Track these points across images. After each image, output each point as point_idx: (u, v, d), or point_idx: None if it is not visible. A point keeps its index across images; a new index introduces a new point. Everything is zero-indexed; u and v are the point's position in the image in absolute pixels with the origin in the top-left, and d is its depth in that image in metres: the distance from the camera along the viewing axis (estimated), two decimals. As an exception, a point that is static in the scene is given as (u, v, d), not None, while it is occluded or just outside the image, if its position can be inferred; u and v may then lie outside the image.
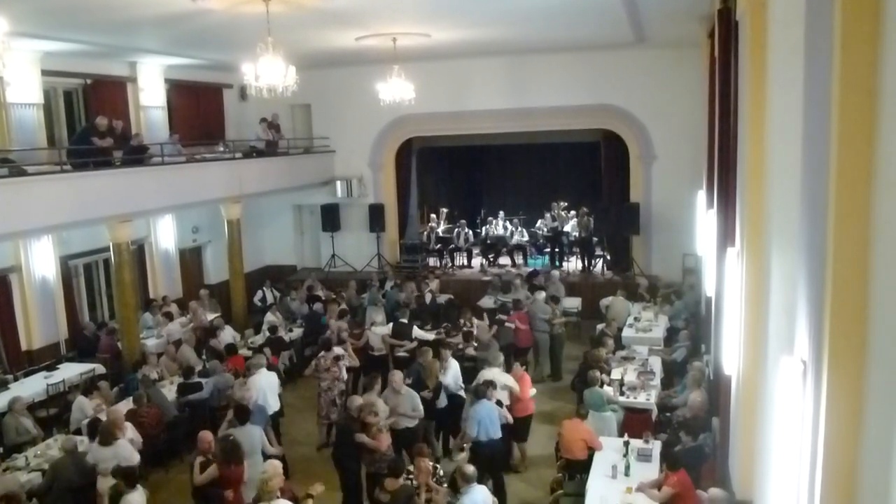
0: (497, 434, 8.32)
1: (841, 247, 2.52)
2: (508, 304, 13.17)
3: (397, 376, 8.99)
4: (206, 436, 7.74)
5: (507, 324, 12.27)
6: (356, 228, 18.57)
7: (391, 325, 12.21)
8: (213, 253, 17.27)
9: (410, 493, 6.77)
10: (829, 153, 2.57)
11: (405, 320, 12.15)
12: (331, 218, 18.38)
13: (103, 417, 9.15)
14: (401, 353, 11.72)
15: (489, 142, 19.06)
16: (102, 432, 8.00)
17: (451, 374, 9.75)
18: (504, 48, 15.36)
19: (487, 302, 14.65)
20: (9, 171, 10.38)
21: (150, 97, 15.27)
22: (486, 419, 8.22)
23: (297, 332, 13.46)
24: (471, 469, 6.86)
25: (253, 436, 8.05)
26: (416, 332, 11.92)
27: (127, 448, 8.00)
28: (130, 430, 8.62)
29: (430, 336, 12.01)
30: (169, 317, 13.44)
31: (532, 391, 9.57)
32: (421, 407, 8.81)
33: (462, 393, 9.75)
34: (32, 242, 12.40)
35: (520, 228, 18.34)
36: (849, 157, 2.48)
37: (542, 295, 12.89)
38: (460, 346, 11.35)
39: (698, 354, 11.00)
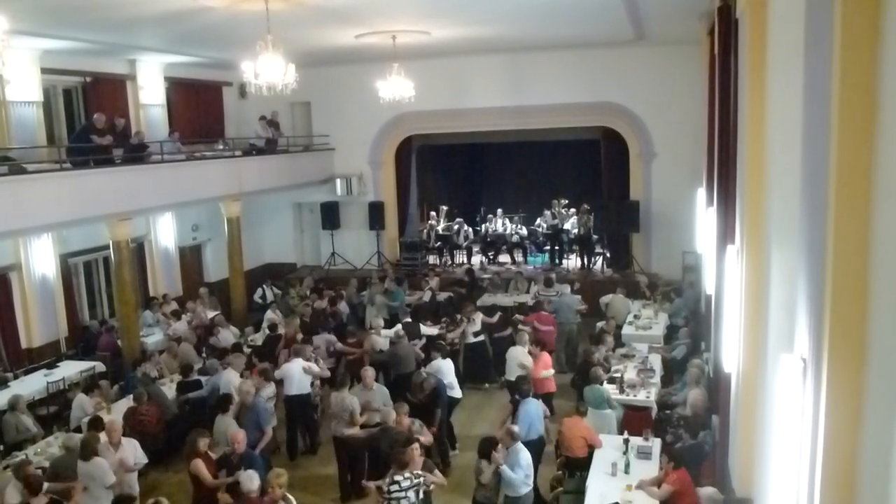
0: (541, 432, 8.40)
1: (841, 244, 2.53)
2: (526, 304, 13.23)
3: (369, 372, 9.21)
4: (238, 435, 7.61)
5: (520, 326, 11.93)
6: (356, 226, 18.57)
7: (398, 326, 12.17)
8: (213, 251, 17.27)
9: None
10: (828, 150, 2.57)
11: (409, 319, 12.23)
12: (330, 216, 18.38)
13: (104, 415, 9.16)
14: None
15: (489, 139, 19.06)
16: (82, 445, 7.55)
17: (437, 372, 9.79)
18: (504, 45, 15.34)
19: (488, 301, 14.68)
20: (8, 170, 10.39)
21: (150, 95, 15.26)
22: (536, 418, 8.30)
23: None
24: (516, 428, 7.46)
25: (219, 430, 8.29)
26: (424, 329, 11.95)
27: (102, 468, 7.40)
28: (127, 446, 7.94)
29: (435, 331, 12.09)
30: (176, 315, 13.45)
31: (548, 372, 10.13)
32: (391, 402, 8.91)
33: (452, 392, 9.82)
34: (32, 240, 12.39)
35: (520, 226, 18.33)
36: (849, 154, 2.48)
37: (567, 288, 13.39)
38: (456, 342, 11.56)
39: (698, 352, 11.00)
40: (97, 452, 7.53)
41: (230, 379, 9.70)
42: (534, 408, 8.38)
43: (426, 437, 8.06)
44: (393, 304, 14.22)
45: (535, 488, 7.79)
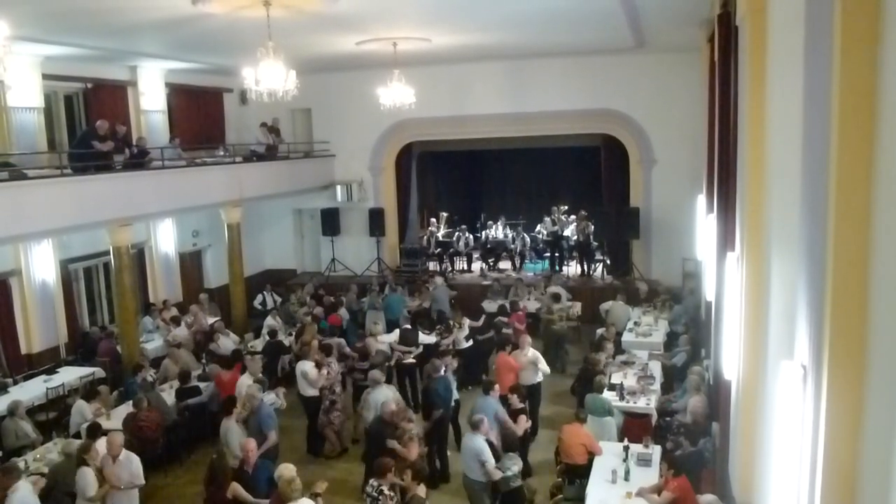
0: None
1: (841, 251, 2.52)
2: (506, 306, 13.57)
3: (376, 374, 9.46)
4: (249, 444, 7.57)
5: (504, 329, 12.41)
6: (356, 233, 18.58)
7: (397, 331, 12.23)
8: (213, 257, 17.27)
9: None
10: (829, 157, 2.57)
11: (409, 326, 12.29)
12: (331, 222, 18.39)
13: (103, 421, 9.17)
14: (408, 361, 11.67)
15: (489, 146, 19.07)
16: (77, 452, 7.64)
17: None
18: (504, 52, 15.38)
19: (490, 306, 14.75)
20: (9, 175, 10.38)
21: (151, 101, 15.29)
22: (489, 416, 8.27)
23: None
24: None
25: (222, 433, 8.47)
26: (422, 337, 12.01)
27: (84, 479, 7.33)
28: (124, 463, 7.59)
29: (432, 339, 12.17)
30: (176, 321, 13.44)
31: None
32: (391, 400, 9.07)
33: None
34: (33, 246, 12.39)
35: (521, 233, 18.33)
36: (849, 161, 2.48)
37: (551, 289, 13.79)
38: (451, 347, 11.65)
39: (698, 359, 11.00)
40: (86, 462, 7.46)
41: (243, 382, 9.69)
42: (484, 404, 8.51)
43: (406, 450, 7.82)
44: (377, 310, 14.35)
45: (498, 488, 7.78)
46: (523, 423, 8.59)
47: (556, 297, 13.34)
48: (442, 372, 9.55)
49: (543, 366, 10.25)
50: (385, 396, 9.01)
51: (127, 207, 11.82)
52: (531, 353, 10.31)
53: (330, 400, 10.11)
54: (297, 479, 6.54)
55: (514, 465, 7.65)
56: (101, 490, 7.35)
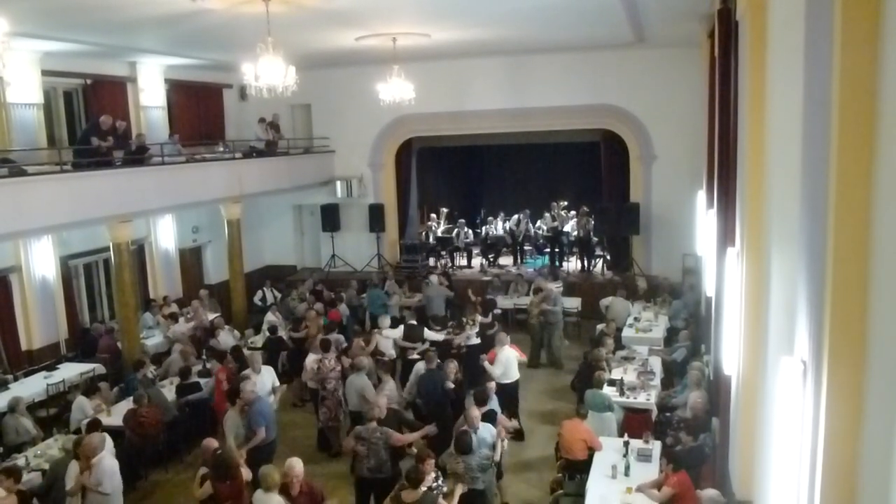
0: None
1: (841, 246, 2.52)
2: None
3: (362, 360, 9.72)
4: (210, 444, 7.52)
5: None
6: (356, 228, 18.58)
7: (401, 327, 12.15)
8: (213, 253, 17.28)
9: (433, 502, 6.63)
10: (829, 153, 2.57)
11: (414, 322, 12.26)
12: (331, 218, 18.40)
13: (103, 417, 9.17)
14: (413, 356, 11.61)
15: (489, 142, 19.08)
16: (72, 447, 7.81)
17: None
18: (504, 48, 15.36)
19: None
20: (9, 172, 10.38)
21: (150, 97, 15.28)
22: None
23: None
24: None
25: (225, 423, 8.56)
26: (427, 333, 11.90)
27: (68, 473, 7.44)
28: (97, 466, 7.36)
29: (440, 337, 11.98)
30: (174, 318, 13.45)
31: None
32: (387, 394, 9.15)
33: None
34: (32, 242, 12.40)
35: (528, 217, 18.36)
36: (849, 156, 2.48)
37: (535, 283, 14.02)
38: (463, 346, 11.60)
39: (698, 354, 10.99)
40: (76, 456, 7.52)
41: (246, 377, 9.66)
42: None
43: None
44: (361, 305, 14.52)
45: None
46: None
47: (536, 292, 13.43)
48: (433, 366, 9.50)
49: (489, 366, 10.08)
50: (357, 384, 9.16)
51: (127, 204, 11.81)
52: (499, 349, 10.24)
53: (321, 396, 10.06)
54: (271, 476, 6.43)
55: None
56: (74, 485, 7.35)
